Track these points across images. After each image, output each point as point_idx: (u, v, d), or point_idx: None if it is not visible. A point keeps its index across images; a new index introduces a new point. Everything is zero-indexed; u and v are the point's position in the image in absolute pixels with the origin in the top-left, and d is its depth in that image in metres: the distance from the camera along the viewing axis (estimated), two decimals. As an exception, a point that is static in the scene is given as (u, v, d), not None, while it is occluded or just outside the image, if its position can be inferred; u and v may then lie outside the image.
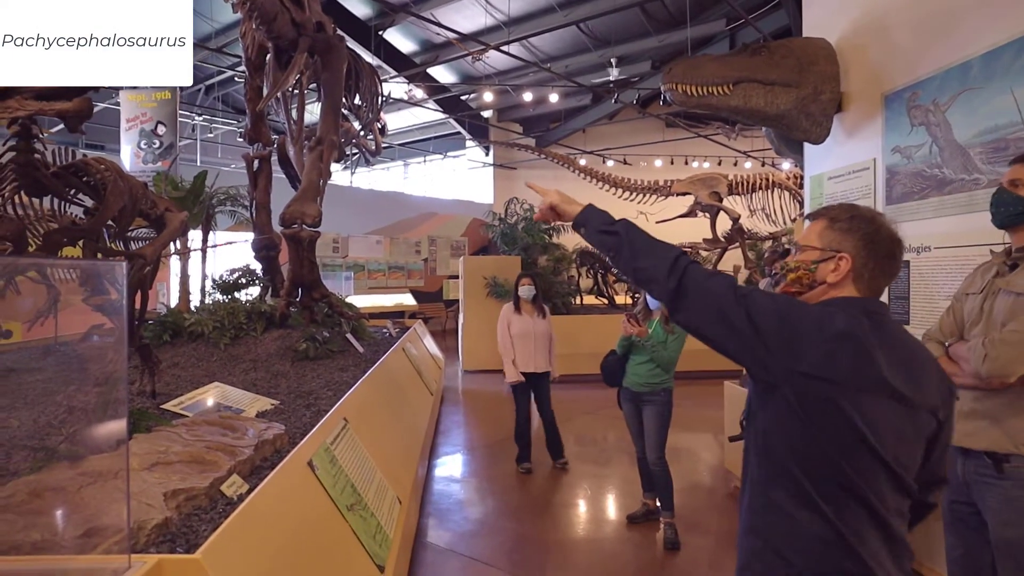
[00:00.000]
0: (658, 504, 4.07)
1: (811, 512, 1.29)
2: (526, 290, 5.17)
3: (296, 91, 6.44)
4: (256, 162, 6.61)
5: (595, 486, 5.01)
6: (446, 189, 19.88)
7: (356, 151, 8.62)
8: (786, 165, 13.97)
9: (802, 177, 4.78)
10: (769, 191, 11.69)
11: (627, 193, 12.59)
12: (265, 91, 6.29)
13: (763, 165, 15.84)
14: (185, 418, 2.97)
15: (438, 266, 17.00)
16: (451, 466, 5.55)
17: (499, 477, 5.15)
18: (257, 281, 6.80)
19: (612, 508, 4.57)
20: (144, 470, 2.06)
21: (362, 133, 8.04)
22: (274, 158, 6.86)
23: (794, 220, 10.25)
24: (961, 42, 3.24)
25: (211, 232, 7.67)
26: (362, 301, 11.91)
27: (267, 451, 2.61)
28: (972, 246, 3.09)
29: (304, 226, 5.14)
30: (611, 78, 14.13)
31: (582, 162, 14.38)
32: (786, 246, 9.58)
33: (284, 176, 7.03)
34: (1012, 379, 1.87)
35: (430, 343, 8.93)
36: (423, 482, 4.82)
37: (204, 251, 7.46)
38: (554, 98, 13.65)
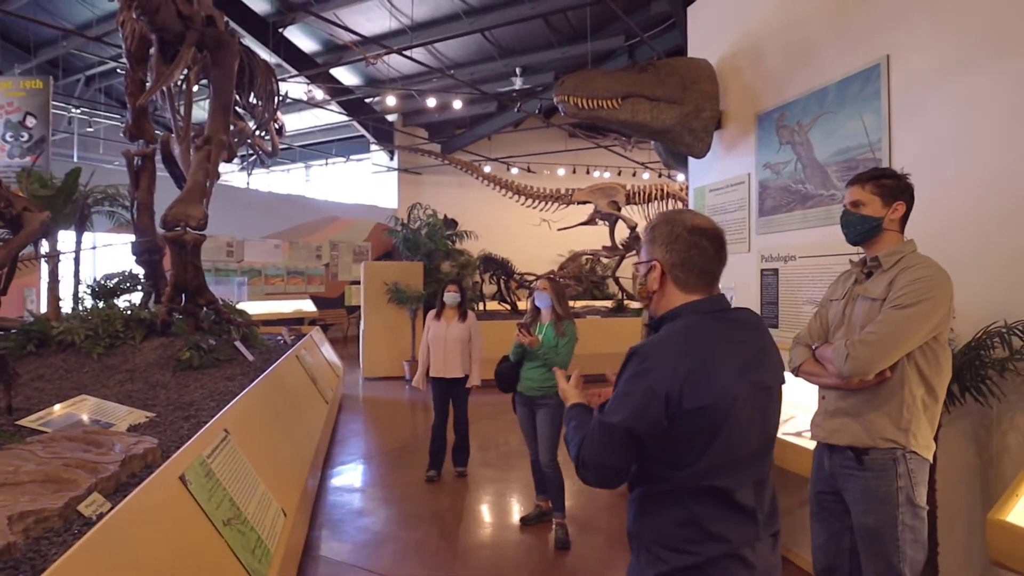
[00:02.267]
0: (550, 505, 4.16)
1: (668, 502, 1.40)
2: (451, 296, 5.15)
3: (183, 87, 6.13)
4: (138, 160, 6.23)
5: (493, 491, 5.04)
6: (349, 193, 19.44)
7: (252, 151, 8.30)
8: (680, 177, 14.68)
9: (689, 189, 5.06)
10: (664, 201, 12.24)
11: (530, 200, 12.81)
12: (149, 85, 5.95)
13: (659, 177, 16.55)
14: (43, 434, 2.75)
15: (340, 271, 16.58)
16: (348, 476, 5.42)
17: (397, 486, 5.09)
18: (138, 287, 6.39)
19: (509, 512, 4.62)
20: (-13, 492, 1.90)
21: (258, 133, 7.75)
22: (158, 156, 6.49)
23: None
24: (819, 70, 3.54)
25: (86, 234, 7.13)
26: (258, 307, 11.43)
27: (136, 467, 2.46)
28: (831, 255, 3.37)
29: (188, 229, 4.90)
30: (515, 87, 14.33)
31: (487, 169, 14.50)
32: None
33: (169, 175, 6.65)
34: (870, 377, 2.05)
35: (328, 350, 8.69)
36: (315, 493, 4.68)
37: (77, 254, 6.93)
38: (458, 104, 13.69)
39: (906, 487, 2.04)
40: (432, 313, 5.23)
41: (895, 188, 2.16)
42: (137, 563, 1.87)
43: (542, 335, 3.99)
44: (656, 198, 12.26)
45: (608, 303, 12.71)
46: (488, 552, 3.93)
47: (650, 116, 4.11)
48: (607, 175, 17.21)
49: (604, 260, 13.93)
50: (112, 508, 1.97)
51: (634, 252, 12.16)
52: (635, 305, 12.03)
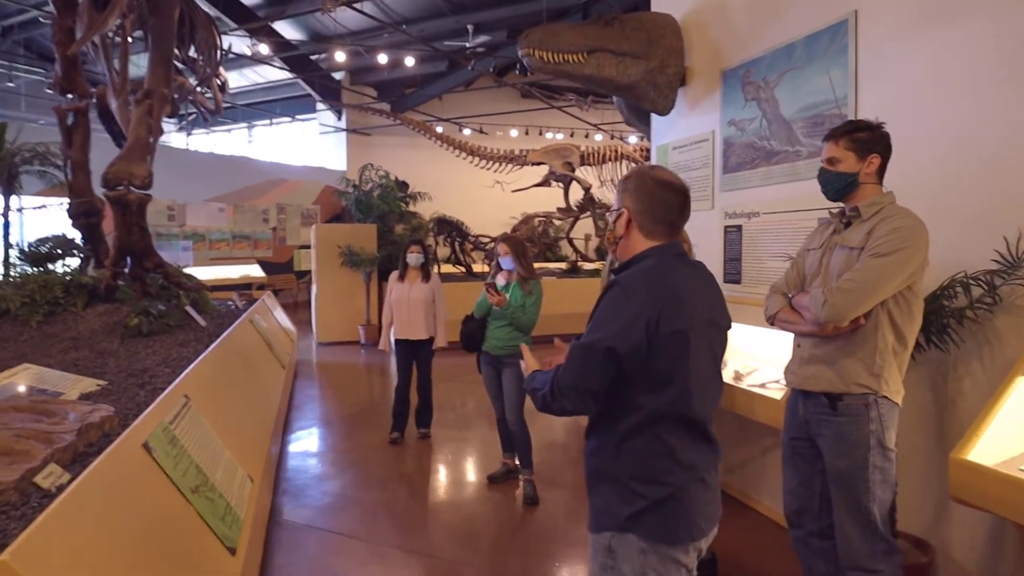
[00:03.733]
0: (517, 463, 4.19)
1: (645, 436, 1.53)
2: (414, 257, 5.05)
3: (118, 38, 5.73)
4: (71, 116, 5.82)
5: (456, 451, 5.05)
6: (296, 154, 18.78)
7: (193, 110, 7.88)
8: (633, 139, 14.71)
9: (649, 150, 5.03)
10: (618, 162, 12.25)
11: (483, 162, 12.64)
12: (79, 34, 5.54)
13: (612, 138, 16.53)
14: (-13, 405, 2.57)
15: (288, 235, 16.10)
16: (307, 441, 5.34)
17: (357, 449, 5.04)
18: (76, 252, 6.05)
19: (473, 471, 4.63)
20: (-68, 466, 1.76)
21: (199, 89, 7.35)
22: (93, 113, 6.09)
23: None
24: (787, 25, 3.53)
25: (14, 196, 6.68)
26: (203, 273, 11.00)
27: (93, 435, 2.34)
28: (796, 211, 3.42)
29: (132, 187, 4.63)
30: (467, 45, 13.97)
31: (439, 129, 14.19)
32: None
33: (106, 133, 6.26)
34: (845, 324, 2.09)
35: (281, 315, 8.48)
36: (277, 459, 4.60)
37: (6, 217, 6.50)
38: (410, 62, 13.25)
39: (877, 431, 2.11)
40: (395, 275, 5.13)
41: (869, 141, 2.17)
42: (106, 534, 1.78)
43: (509, 294, 3.96)
44: (610, 159, 12.25)
45: (562, 265, 12.75)
46: (457, 510, 3.94)
47: (616, 71, 4.05)
48: (560, 136, 17.10)
49: (557, 222, 13.92)
50: (72, 479, 1.87)
51: (588, 214, 12.20)
52: (589, 266, 12.10)
